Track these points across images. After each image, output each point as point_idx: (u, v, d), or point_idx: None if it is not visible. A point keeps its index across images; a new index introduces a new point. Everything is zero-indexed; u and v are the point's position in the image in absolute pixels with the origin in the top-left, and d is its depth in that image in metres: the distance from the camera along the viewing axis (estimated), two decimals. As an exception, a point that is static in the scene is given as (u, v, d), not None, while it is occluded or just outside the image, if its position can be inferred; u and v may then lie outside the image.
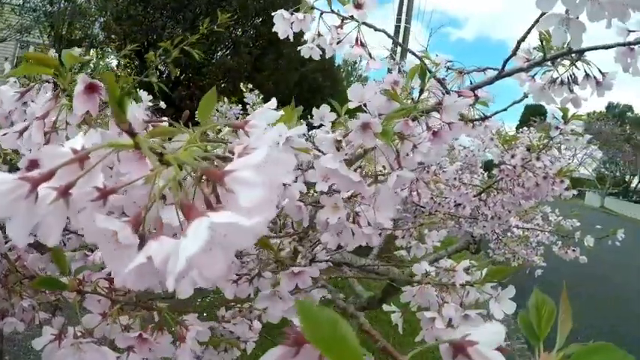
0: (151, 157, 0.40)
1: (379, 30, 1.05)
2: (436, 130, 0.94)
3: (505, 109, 1.25)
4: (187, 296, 0.45)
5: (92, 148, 0.45)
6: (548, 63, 1.13)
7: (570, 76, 1.12)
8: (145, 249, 0.37)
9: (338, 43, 1.08)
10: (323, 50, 1.15)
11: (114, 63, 11.24)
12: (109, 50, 11.07)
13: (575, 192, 2.62)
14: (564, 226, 4.02)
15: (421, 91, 0.98)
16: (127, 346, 0.86)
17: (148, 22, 9.08)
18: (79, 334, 0.88)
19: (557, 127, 2.22)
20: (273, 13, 1.08)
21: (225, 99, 4.76)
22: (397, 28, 11.27)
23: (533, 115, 2.49)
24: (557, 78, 1.13)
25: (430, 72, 1.05)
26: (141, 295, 1.02)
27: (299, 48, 1.13)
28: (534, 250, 4.03)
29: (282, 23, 1.10)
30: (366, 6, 0.96)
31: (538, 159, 2.30)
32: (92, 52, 11.98)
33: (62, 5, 11.61)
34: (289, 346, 0.36)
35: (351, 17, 0.98)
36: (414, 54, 1.08)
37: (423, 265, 1.10)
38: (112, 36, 10.04)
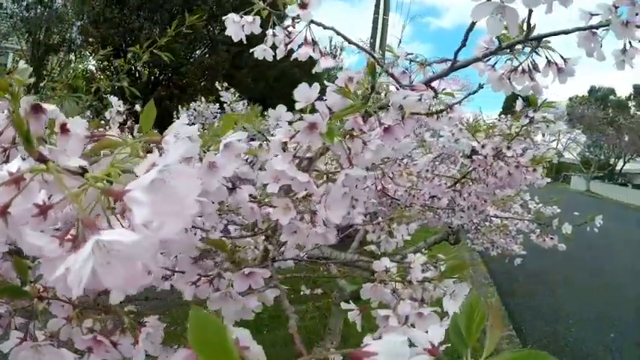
0: (60, 182, 0.42)
1: (328, 28, 1.05)
2: (387, 126, 0.94)
3: (459, 102, 1.26)
4: (118, 302, 0.47)
5: (23, 171, 0.47)
6: (508, 51, 1.12)
7: (531, 63, 1.11)
8: (66, 261, 0.39)
9: (288, 43, 1.09)
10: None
11: (92, 66, 11.18)
12: (88, 54, 11.02)
13: (549, 180, 2.62)
14: (544, 213, 3.95)
15: (372, 88, 0.98)
16: (85, 347, 0.89)
17: (124, 24, 9.03)
18: (42, 337, 0.91)
19: (526, 115, 2.21)
20: (224, 17, 1.08)
21: (203, 98, 4.78)
22: (376, 19, 11.27)
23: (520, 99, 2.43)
24: (519, 66, 1.11)
25: (382, 67, 1.07)
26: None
27: (251, 50, 1.14)
28: (514, 238, 3.93)
29: (233, 26, 1.10)
30: (310, 5, 0.97)
31: (509, 148, 2.27)
32: (71, 56, 11.91)
33: (39, 11, 11.52)
34: (190, 349, 0.37)
35: (298, 17, 0.99)
36: (362, 49, 1.09)
37: (383, 261, 1.11)
38: (90, 39, 9.99)
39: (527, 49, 1.11)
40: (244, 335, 0.49)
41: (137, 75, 9.93)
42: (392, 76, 1.08)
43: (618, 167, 39.76)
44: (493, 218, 3.63)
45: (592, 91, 46.53)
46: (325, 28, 1.05)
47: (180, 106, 5.21)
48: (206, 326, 0.31)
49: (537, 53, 1.10)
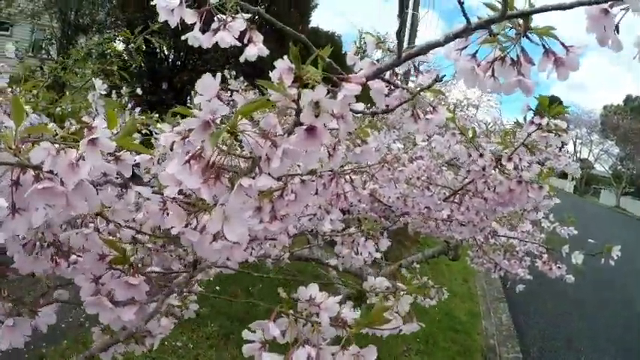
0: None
1: (252, 11, 0.93)
2: (310, 126, 0.76)
3: (402, 103, 1.07)
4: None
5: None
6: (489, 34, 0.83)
7: (520, 51, 0.83)
8: None
9: (217, 29, 0.96)
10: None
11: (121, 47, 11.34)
12: (115, 35, 11.24)
13: (558, 201, 2.35)
14: (559, 235, 3.49)
15: (297, 79, 0.80)
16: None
17: (150, 7, 9.06)
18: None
19: (532, 122, 1.90)
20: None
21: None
22: (405, 15, 11.17)
23: (550, 104, 2.11)
24: (506, 55, 0.83)
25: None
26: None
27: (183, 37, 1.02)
28: (520, 261, 3.33)
29: (164, 12, 0.98)
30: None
31: (510, 159, 2.02)
32: (99, 36, 12.21)
33: (69, -8, 11.92)
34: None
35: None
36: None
37: (310, 288, 0.92)
38: (118, 22, 10.16)
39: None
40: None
41: (163, 57, 10.02)
42: (330, 66, 0.88)
43: (652, 184, 38.42)
44: (502, 237, 3.19)
45: (628, 100, 44.54)
46: (248, 12, 0.91)
47: (193, 92, 5.18)
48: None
49: (528, 38, 0.82)
